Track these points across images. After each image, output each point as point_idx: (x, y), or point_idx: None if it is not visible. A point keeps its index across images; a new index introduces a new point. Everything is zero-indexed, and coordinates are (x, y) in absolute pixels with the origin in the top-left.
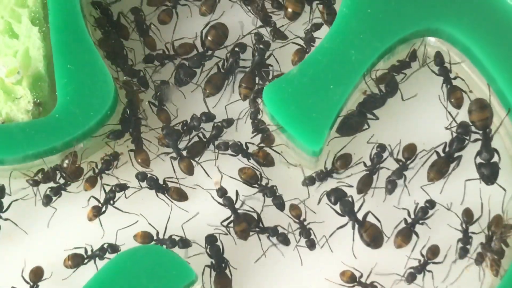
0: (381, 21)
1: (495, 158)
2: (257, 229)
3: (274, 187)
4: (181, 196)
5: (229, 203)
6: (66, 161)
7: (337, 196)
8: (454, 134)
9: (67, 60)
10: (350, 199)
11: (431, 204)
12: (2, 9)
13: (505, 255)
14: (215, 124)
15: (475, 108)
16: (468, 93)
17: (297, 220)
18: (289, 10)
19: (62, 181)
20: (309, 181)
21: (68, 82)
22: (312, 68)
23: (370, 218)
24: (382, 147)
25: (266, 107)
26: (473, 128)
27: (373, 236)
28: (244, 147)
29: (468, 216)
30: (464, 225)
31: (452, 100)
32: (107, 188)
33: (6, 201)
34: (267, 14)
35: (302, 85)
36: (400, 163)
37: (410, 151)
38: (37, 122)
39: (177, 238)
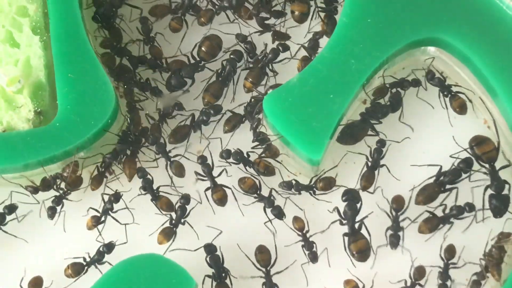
0: (381, 31)
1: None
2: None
3: (272, 197)
4: (169, 208)
5: (207, 170)
6: (67, 170)
7: (350, 196)
8: (454, 166)
9: (68, 69)
10: (358, 206)
11: (470, 207)
12: (3, 18)
13: (506, 262)
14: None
15: (476, 143)
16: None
17: (300, 233)
18: (296, 12)
19: (61, 190)
20: (286, 185)
21: (69, 91)
22: (312, 77)
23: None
24: (382, 143)
25: (266, 116)
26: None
27: (359, 249)
28: (246, 155)
29: (449, 253)
30: (444, 261)
31: (456, 108)
32: (106, 197)
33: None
34: (263, 18)
35: (302, 95)
36: (392, 217)
37: (398, 202)
38: (38, 131)
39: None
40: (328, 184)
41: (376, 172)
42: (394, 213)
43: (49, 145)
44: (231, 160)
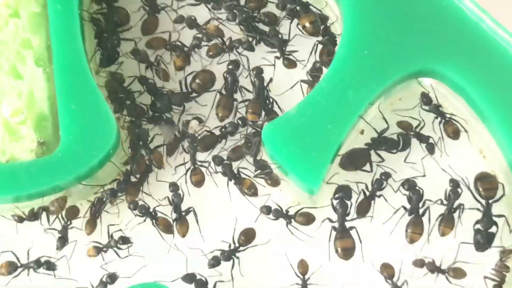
0: (378, 63)
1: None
2: None
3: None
4: (167, 229)
5: (192, 152)
6: (55, 204)
7: (343, 195)
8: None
9: (71, 100)
10: (349, 204)
11: (454, 184)
12: (7, 51)
13: (506, 282)
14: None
15: (481, 177)
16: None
17: (301, 276)
18: (307, 24)
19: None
20: (265, 210)
21: (71, 122)
22: (311, 108)
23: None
24: (386, 175)
25: (265, 146)
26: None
27: (344, 246)
28: (235, 171)
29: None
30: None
31: (450, 134)
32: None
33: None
34: (283, 42)
35: (301, 125)
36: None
37: (388, 269)
38: (40, 161)
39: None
40: (307, 220)
41: (372, 202)
42: (390, 282)
43: (52, 175)
44: (219, 169)
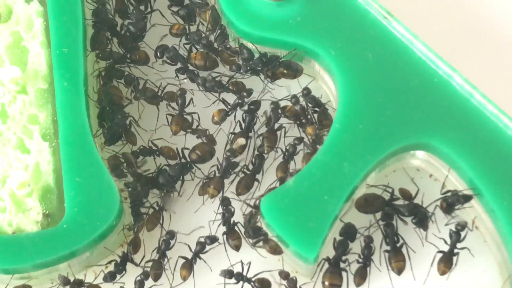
0: (372, 136)
1: None
2: None
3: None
4: None
5: (226, 164)
6: None
7: (346, 234)
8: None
9: (76, 173)
10: (348, 243)
11: (462, 226)
12: (15, 125)
13: None
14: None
15: None
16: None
17: None
18: (285, 71)
19: None
20: (228, 275)
21: (76, 194)
22: (307, 180)
23: None
24: (370, 239)
25: (263, 217)
26: None
27: (331, 282)
28: (232, 223)
29: None
30: None
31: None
32: None
33: None
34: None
35: (298, 196)
36: None
37: None
38: (45, 233)
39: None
40: (262, 285)
41: (368, 269)
42: None
43: (57, 246)
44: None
